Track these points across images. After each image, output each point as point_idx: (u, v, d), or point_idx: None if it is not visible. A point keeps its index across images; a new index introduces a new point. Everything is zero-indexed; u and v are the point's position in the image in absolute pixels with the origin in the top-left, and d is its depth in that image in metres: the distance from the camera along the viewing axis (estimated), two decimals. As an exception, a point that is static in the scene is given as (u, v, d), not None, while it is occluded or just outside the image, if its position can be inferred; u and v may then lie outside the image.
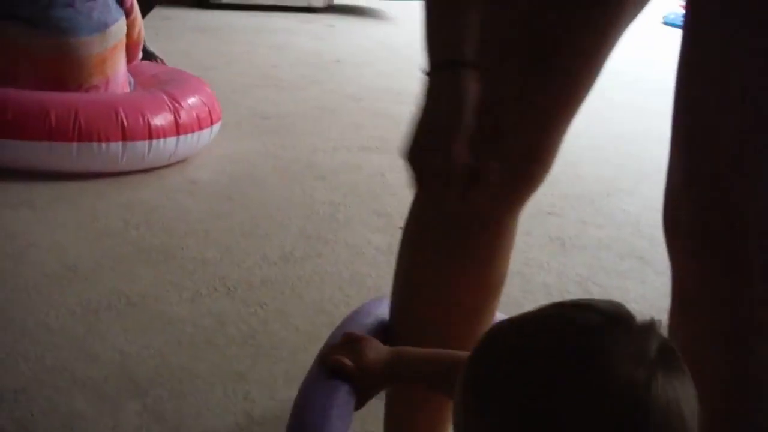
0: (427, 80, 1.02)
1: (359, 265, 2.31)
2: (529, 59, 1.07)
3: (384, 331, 1.21)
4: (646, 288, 2.32)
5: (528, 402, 0.69)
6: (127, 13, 3.09)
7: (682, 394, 0.70)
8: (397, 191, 2.87)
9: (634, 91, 4.66)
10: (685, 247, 1.02)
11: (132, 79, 3.19)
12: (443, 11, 1.02)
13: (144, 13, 3.99)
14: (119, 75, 3.06)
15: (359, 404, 1.01)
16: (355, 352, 1.03)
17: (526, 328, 0.75)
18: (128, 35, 3.11)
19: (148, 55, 3.85)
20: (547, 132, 1.15)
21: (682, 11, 1.10)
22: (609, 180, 3.16)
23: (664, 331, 0.74)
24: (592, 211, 2.82)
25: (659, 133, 4.38)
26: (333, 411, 0.96)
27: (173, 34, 5.18)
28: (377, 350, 1.04)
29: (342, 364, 1.02)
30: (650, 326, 0.71)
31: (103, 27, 2.95)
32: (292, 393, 1.68)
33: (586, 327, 0.71)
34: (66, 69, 2.90)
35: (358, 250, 2.40)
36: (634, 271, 2.44)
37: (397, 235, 2.48)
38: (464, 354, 1.00)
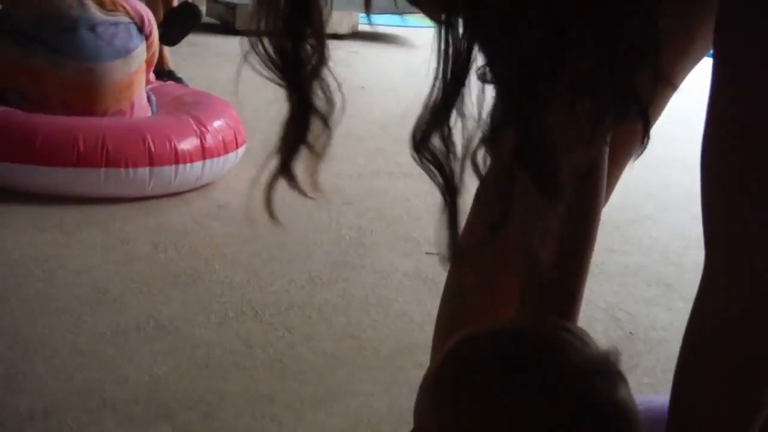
0: None
1: (386, 289, 2.32)
2: None
3: None
4: (673, 315, 2.31)
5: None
6: (147, 37, 3.13)
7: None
8: (422, 216, 2.88)
9: (662, 120, 4.62)
10: None
11: (153, 97, 3.21)
12: None
13: (177, 41, 4.04)
14: (142, 98, 3.10)
15: None
16: None
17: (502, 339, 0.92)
18: None
19: (174, 78, 3.89)
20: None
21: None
22: (635, 207, 3.15)
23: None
24: (618, 238, 2.82)
25: (686, 162, 4.35)
26: None
27: (199, 60, 5.21)
28: None
29: None
30: (607, 354, 0.88)
31: (125, 53, 2.99)
32: (320, 416, 1.71)
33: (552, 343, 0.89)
34: (91, 94, 2.94)
35: (384, 275, 2.41)
36: (661, 297, 2.43)
37: (423, 260, 2.51)
38: None
